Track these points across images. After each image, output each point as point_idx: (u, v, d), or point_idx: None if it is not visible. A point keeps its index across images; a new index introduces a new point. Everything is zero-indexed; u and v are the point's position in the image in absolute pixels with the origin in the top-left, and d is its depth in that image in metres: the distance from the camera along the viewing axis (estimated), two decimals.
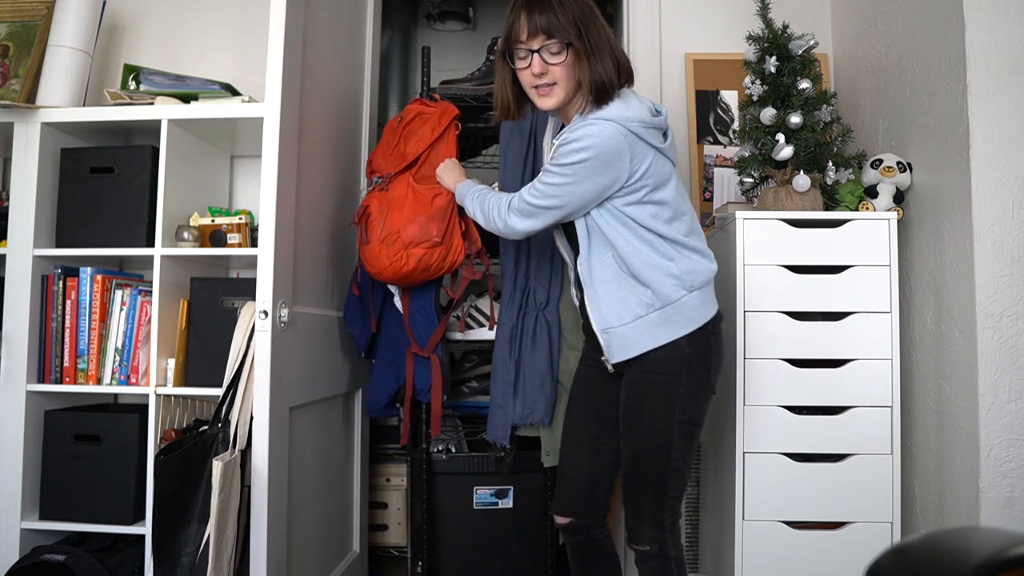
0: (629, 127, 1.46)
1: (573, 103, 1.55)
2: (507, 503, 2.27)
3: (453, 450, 2.34)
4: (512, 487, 2.27)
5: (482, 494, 2.26)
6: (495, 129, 2.31)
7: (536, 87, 1.53)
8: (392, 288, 2.11)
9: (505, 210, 1.60)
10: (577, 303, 1.70)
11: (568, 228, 1.62)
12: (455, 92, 2.23)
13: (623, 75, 1.52)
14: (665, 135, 1.56)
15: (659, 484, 1.53)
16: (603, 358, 1.58)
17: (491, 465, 2.26)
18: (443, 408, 2.07)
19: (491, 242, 2.06)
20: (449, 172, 1.91)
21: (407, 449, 2.29)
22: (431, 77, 2.30)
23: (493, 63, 2.10)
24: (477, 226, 1.88)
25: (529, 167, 2.08)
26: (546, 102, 1.54)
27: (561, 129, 1.60)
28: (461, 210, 1.92)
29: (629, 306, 1.51)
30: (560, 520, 1.72)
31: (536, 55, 1.49)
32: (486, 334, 2.20)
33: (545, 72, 1.49)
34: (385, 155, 2.06)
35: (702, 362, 1.53)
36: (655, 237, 1.51)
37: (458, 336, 2.18)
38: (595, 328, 1.55)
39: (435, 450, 2.28)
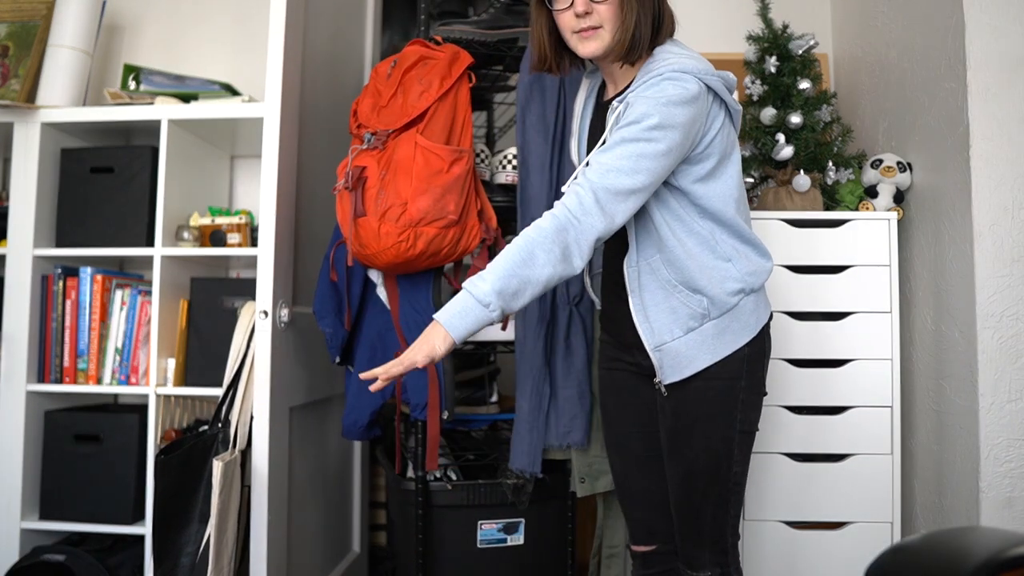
0: (708, 81, 1.25)
1: (615, 53, 1.30)
2: (517, 539, 1.89)
3: (454, 477, 1.93)
4: (523, 520, 1.89)
5: (488, 529, 1.88)
6: (505, 86, 2.05)
7: (579, 31, 1.29)
8: (373, 275, 1.80)
9: (578, 221, 1.20)
10: (599, 307, 1.52)
11: None
12: (459, 36, 1.84)
13: (667, 25, 1.32)
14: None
15: (719, 503, 1.35)
16: (656, 380, 1.35)
17: (499, 496, 1.85)
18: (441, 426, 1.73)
19: (505, 223, 1.82)
20: (430, 334, 1.21)
21: (394, 479, 1.96)
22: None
23: (501, 7, 1.87)
24: (493, 204, 1.64)
25: (558, 135, 1.74)
26: (588, 46, 1.29)
27: (601, 90, 1.43)
28: (481, 186, 1.66)
29: (680, 318, 1.31)
30: (640, 549, 1.48)
31: None
32: (497, 334, 1.88)
33: (590, 12, 1.27)
34: (377, 107, 1.67)
35: (759, 363, 1.37)
36: (715, 228, 1.31)
37: None
38: (647, 345, 1.32)
39: (432, 477, 1.88)
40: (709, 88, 1.26)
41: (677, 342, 1.31)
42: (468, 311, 1.18)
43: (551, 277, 1.19)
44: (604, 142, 1.26)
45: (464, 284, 1.20)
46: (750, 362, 1.33)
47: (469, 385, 2.07)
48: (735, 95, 1.34)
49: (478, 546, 1.87)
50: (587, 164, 1.24)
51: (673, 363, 1.31)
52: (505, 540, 1.89)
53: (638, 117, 1.21)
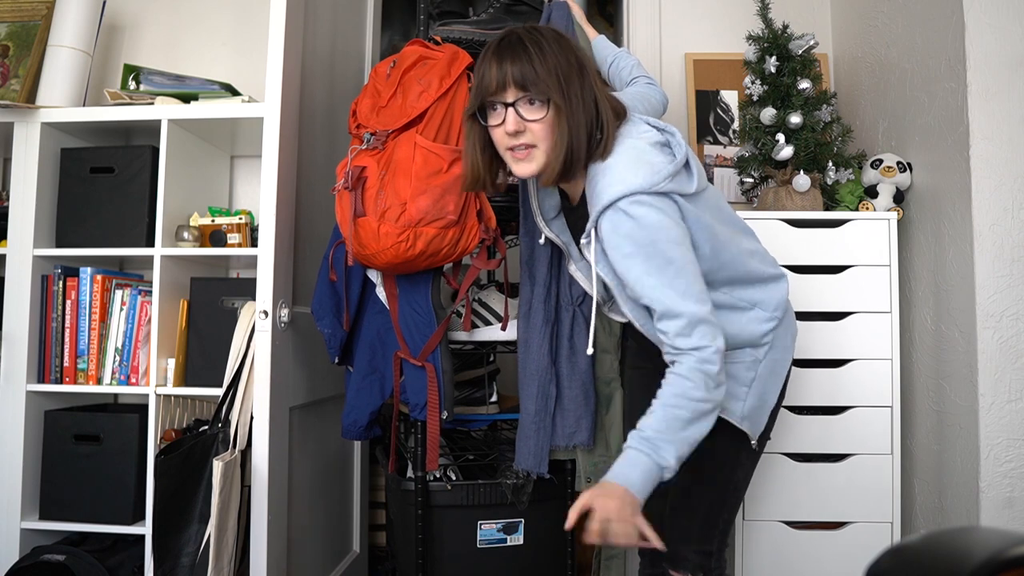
0: (660, 189, 1.19)
1: (550, 173, 1.27)
2: (517, 539, 1.90)
3: (454, 477, 1.93)
4: (523, 520, 1.90)
5: (487, 529, 1.88)
6: None
7: (511, 148, 1.26)
8: (372, 275, 1.78)
9: (704, 365, 1.17)
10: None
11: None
12: (459, 36, 1.82)
13: (607, 127, 1.25)
14: (688, 166, 1.25)
15: (715, 505, 1.35)
16: (754, 441, 1.35)
17: (499, 496, 1.86)
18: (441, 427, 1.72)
19: (504, 223, 1.81)
20: (617, 493, 1.16)
21: (393, 479, 1.95)
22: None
23: (501, 7, 1.85)
24: (492, 204, 1.65)
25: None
26: (524, 168, 1.26)
27: (552, 196, 1.43)
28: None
29: (741, 380, 1.31)
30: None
31: (511, 109, 1.22)
32: (497, 334, 1.85)
33: (522, 130, 1.23)
34: (376, 107, 1.67)
35: (779, 380, 1.39)
36: (730, 290, 1.31)
37: (462, 336, 1.85)
38: (731, 419, 1.31)
39: (432, 477, 1.88)
40: (662, 194, 1.20)
41: (747, 402, 1.32)
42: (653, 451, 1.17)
43: (697, 428, 1.19)
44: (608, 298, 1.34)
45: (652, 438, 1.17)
46: (787, 377, 1.38)
47: (469, 385, 2.04)
48: (691, 161, 1.26)
49: (478, 546, 1.87)
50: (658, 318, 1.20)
51: (752, 417, 1.33)
52: (505, 540, 1.89)
53: (634, 262, 1.19)
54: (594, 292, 1.30)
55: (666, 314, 1.18)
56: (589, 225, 1.24)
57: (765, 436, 1.38)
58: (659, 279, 1.17)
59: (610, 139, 1.25)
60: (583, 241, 1.27)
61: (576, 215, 1.39)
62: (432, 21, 1.86)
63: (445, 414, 1.71)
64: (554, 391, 1.69)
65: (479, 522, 1.87)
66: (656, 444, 1.15)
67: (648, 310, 1.25)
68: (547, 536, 1.91)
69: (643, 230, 1.17)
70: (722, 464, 1.34)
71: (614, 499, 1.12)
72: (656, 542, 1.12)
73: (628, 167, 1.20)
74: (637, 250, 1.18)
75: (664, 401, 1.17)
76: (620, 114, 1.30)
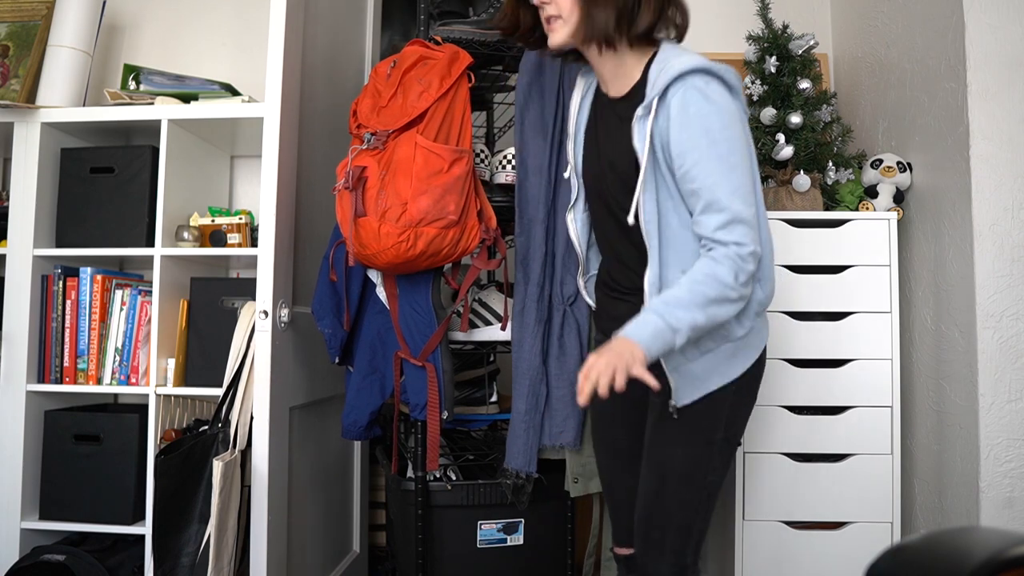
0: (726, 78, 1.19)
1: (593, 50, 1.25)
2: (517, 539, 1.89)
3: (454, 477, 1.92)
4: (523, 520, 1.89)
5: (487, 529, 1.87)
6: (504, 86, 2.04)
7: (546, 19, 1.26)
8: (372, 275, 1.78)
9: (739, 260, 1.15)
10: (594, 307, 1.49)
11: (630, 231, 1.28)
12: (459, 36, 1.83)
13: (645, 16, 1.22)
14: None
15: (688, 511, 1.28)
16: (671, 402, 1.27)
17: (498, 496, 1.84)
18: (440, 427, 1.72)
19: (504, 223, 1.81)
20: (623, 346, 1.15)
21: (394, 479, 1.94)
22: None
23: (501, 7, 1.83)
24: (492, 204, 1.65)
25: (556, 135, 1.71)
26: (552, 39, 1.26)
27: (598, 89, 1.36)
28: (481, 186, 1.66)
29: (700, 340, 1.24)
30: (621, 551, 1.45)
31: None
32: (497, 334, 1.84)
33: (547, 1, 1.23)
34: (377, 107, 1.66)
35: (758, 377, 1.33)
36: None
37: (460, 336, 1.84)
38: (665, 365, 1.24)
39: (432, 477, 1.87)
40: (735, 89, 1.21)
41: (694, 364, 1.25)
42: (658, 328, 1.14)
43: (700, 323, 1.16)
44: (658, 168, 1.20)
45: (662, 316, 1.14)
46: (752, 378, 1.30)
47: (469, 385, 2.04)
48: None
49: (478, 546, 1.86)
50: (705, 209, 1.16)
51: (688, 384, 1.26)
52: (505, 540, 1.88)
53: (704, 145, 1.15)
54: (643, 160, 1.21)
55: (711, 205, 1.15)
56: (653, 93, 1.19)
57: (735, 437, 1.33)
58: (717, 166, 1.14)
59: (649, 18, 1.22)
60: (639, 113, 1.21)
61: (614, 111, 1.32)
62: (432, 21, 1.86)
63: (445, 414, 1.70)
64: (544, 390, 1.68)
65: (479, 522, 1.86)
66: (672, 308, 1.13)
67: (674, 212, 1.21)
68: (547, 536, 1.90)
69: (715, 112, 1.15)
70: (693, 466, 1.28)
71: (616, 349, 1.11)
72: (651, 381, 1.10)
73: (691, 55, 1.19)
74: (704, 131, 1.15)
75: (692, 276, 1.15)
76: (678, 10, 1.29)
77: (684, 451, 1.28)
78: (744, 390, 1.30)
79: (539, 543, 1.90)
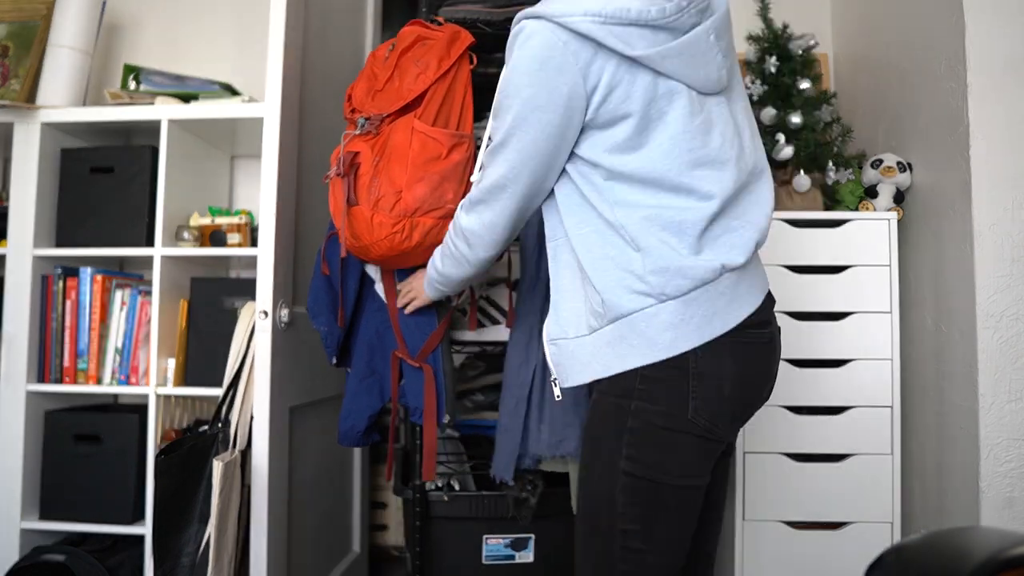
0: (569, 25, 0.96)
1: None
2: (527, 556, 1.74)
3: (456, 487, 1.80)
4: (533, 536, 1.74)
5: (494, 545, 1.74)
6: None
7: None
8: (371, 271, 1.67)
9: (454, 224, 1.20)
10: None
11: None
12: (463, 15, 1.73)
13: None
14: (669, 30, 0.99)
15: (599, 568, 1.05)
16: (552, 378, 1.14)
17: (506, 508, 1.70)
18: (442, 432, 1.61)
19: None
20: (417, 282, 1.43)
21: (393, 485, 1.83)
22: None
23: None
24: None
25: None
26: None
27: None
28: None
29: (582, 314, 1.07)
30: None
31: None
32: (504, 334, 1.74)
33: None
34: (372, 91, 1.55)
35: (678, 392, 1.02)
36: (621, 209, 1.04)
37: (468, 336, 1.76)
38: (544, 335, 1.13)
39: (432, 487, 1.74)
40: (577, 34, 0.97)
41: (578, 340, 1.08)
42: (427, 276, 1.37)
43: (444, 270, 1.31)
44: None
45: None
46: (669, 390, 1.02)
47: (495, 390, 1.91)
48: (681, 27, 1.01)
49: (484, 562, 1.74)
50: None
51: (569, 363, 1.10)
52: (513, 557, 1.76)
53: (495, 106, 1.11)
54: None
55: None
56: None
57: (655, 473, 1.04)
58: (496, 136, 1.15)
59: None
60: None
61: None
62: (433, 11, 1.82)
63: (447, 418, 1.60)
64: (526, 394, 1.59)
65: (484, 536, 1.74)
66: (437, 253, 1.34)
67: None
68: (560, 554, 1.74)
69: (520, 63, 1.05)
70: (596, 506, 1.06)
71: (413, 283, 1.48)
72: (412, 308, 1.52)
73: None
74: (503, 85, 1.10)
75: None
76: None
77: (585, 491, 1.10)
78: (654, 396, 1.02)
79: (552, 562, 1.74)
